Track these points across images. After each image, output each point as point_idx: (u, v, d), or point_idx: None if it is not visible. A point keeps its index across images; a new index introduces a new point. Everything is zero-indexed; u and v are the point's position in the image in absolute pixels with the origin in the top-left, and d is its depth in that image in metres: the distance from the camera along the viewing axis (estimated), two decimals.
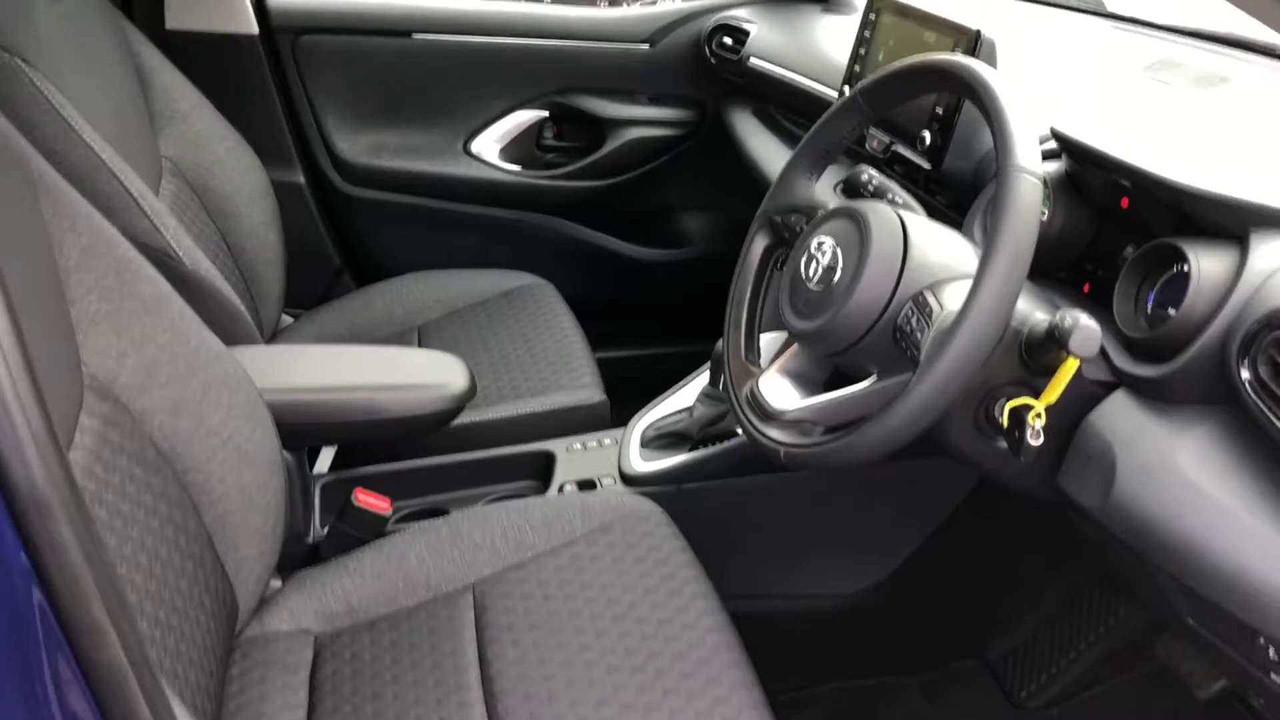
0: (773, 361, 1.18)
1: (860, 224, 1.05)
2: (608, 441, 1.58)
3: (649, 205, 2.39)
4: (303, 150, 2.16)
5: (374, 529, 1.36)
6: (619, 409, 1.66)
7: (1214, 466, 0.98)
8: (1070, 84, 1.48)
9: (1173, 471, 0.99)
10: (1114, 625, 1.59)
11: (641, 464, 1.50)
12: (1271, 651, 0.92)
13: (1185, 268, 1.06)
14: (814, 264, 1.08)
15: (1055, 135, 1.23)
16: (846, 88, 1.59)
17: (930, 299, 1.00)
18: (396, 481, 1.55)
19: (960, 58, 1.03)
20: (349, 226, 2.25)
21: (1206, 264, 1.03)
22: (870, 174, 1.26)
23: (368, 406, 1.32)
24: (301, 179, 2.15)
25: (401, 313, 1.91)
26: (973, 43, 1.32)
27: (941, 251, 1.05)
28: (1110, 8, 1.88)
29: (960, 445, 1.09)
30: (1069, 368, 1.00)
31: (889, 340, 1.03)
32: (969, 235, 1.31)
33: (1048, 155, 1.27)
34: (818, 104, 1.68)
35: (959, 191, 1.38)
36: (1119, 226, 1.19)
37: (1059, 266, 1.24)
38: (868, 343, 1.04)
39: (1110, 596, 1.59)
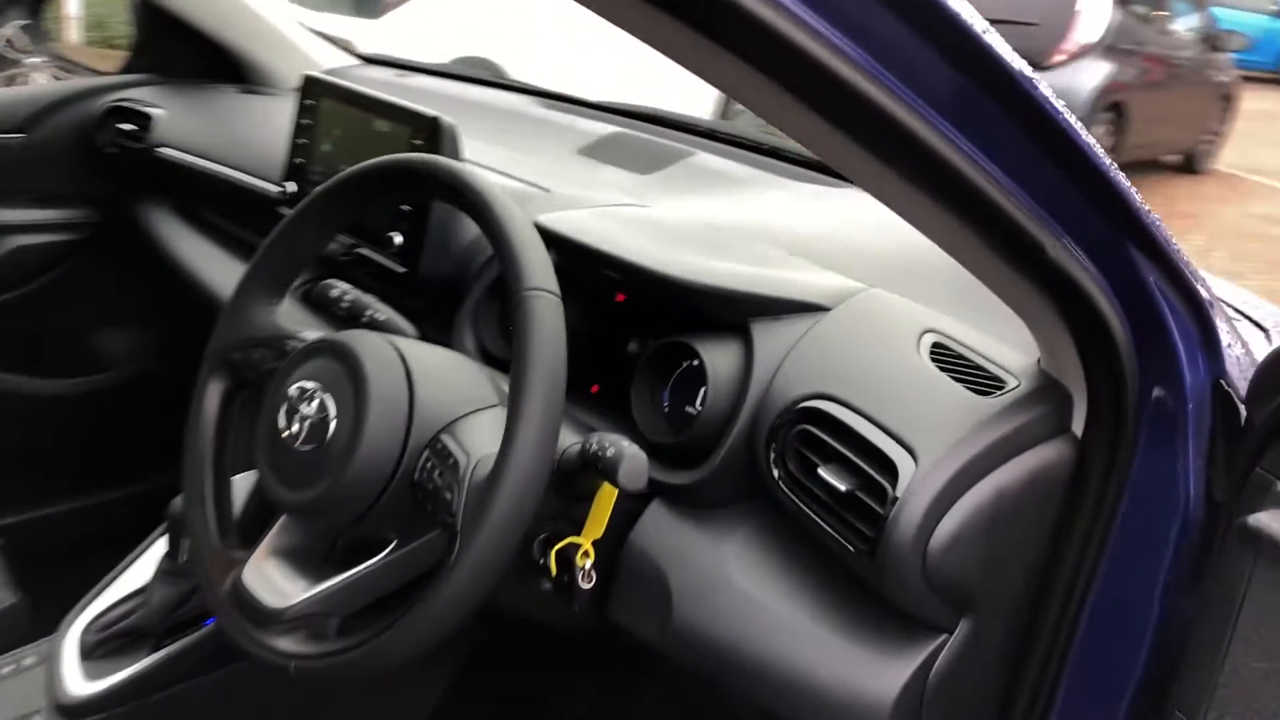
0: (257, 544, 0.93)
1: (349, 363, 0.86)
2: (30, 660, 1.18)
3: (49, 326, 1.93)
4: None
5: None
6: (43, 607, 1.27)
7: (764, 571, 0.93)
8: (517, 168, 1.41)
9: (727, 587, 0.93)
10: None
11: (85, 684, 1.14)
12: None
13: (697, 363, 1.01)
14: (296, 418, 0.86)
15: (541, 231, 1.14)
16: (291, 184, 1.38)
17: (451, 444, 0.84)
18: None
19: (448, 162, 0.88)
20: None
21: (718, 359, 0.99)
22: (341, 288, 1.07)
23: None
24: None
25: None
26: (432, 131, 1.19)
27: (451, 384, 0.89)
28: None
29: (502, 601, 0.95)
30: (609, 494, 0.90)
31: (407, 500, 0.85)
32: (461, 347, 1.17)
33: None
34: (256, 201, 1.44)
35: (437, 295, 1.23)
36: (617, 322, 1.12)
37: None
38: (380, 508, 0.84)
39: None
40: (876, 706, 0.84)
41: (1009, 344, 0.98)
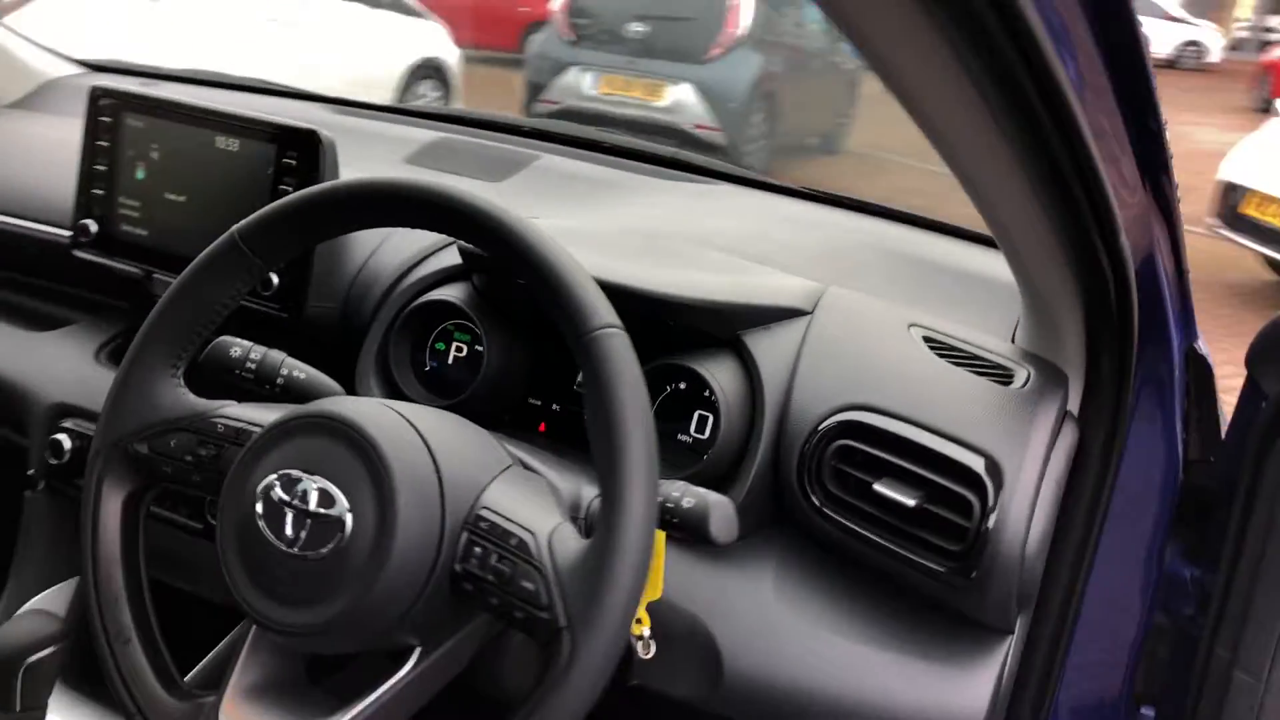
0: (216, 685, 0.74)
1: (355, 441, 0.69)
2: None
3: None
4: None
5: None
6: None
7: (811, 604, 0.87)
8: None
9: (780, 629, 0.86)
10: None
11: None
12: None
13: (684, 386, 0.93)
14: (289, 520, 0.69)
15: (462, 252, 0.99)
16: (90, 223, 1.11)
17: (499, 520, 0.70)
18: None
19: (483, 199, 0.72)
20: None
21: (723, 379, 0.91)
22: (240, 345, 0.88)
23: None
24: None
25: None
26: (308, 147, 1.00)
27: (466, 449, 0.75)
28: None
29: (507, 684, 0.83)
30: (662, 550, 0.79)
31: (444, 598, 0.70)
32: (366, 390, 1.00)
33: (449, 276, 1.03)
34: (34, 254, 1.16)
35: (323, 341, 1.05)
36: (559, 349, 1.01)
37: (504, 410, 1.01)
38: (414, 614, 0.69)
39: None
40: None
41: (972, 326, 0.98)
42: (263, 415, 0.78)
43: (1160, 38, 11.98)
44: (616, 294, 0.95)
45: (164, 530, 1.08)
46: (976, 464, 0.79)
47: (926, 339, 0.93)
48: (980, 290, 1.06)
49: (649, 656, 0.80)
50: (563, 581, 0.65)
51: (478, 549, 0.69)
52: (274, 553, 0.69)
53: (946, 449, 0.81)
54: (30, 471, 1.15)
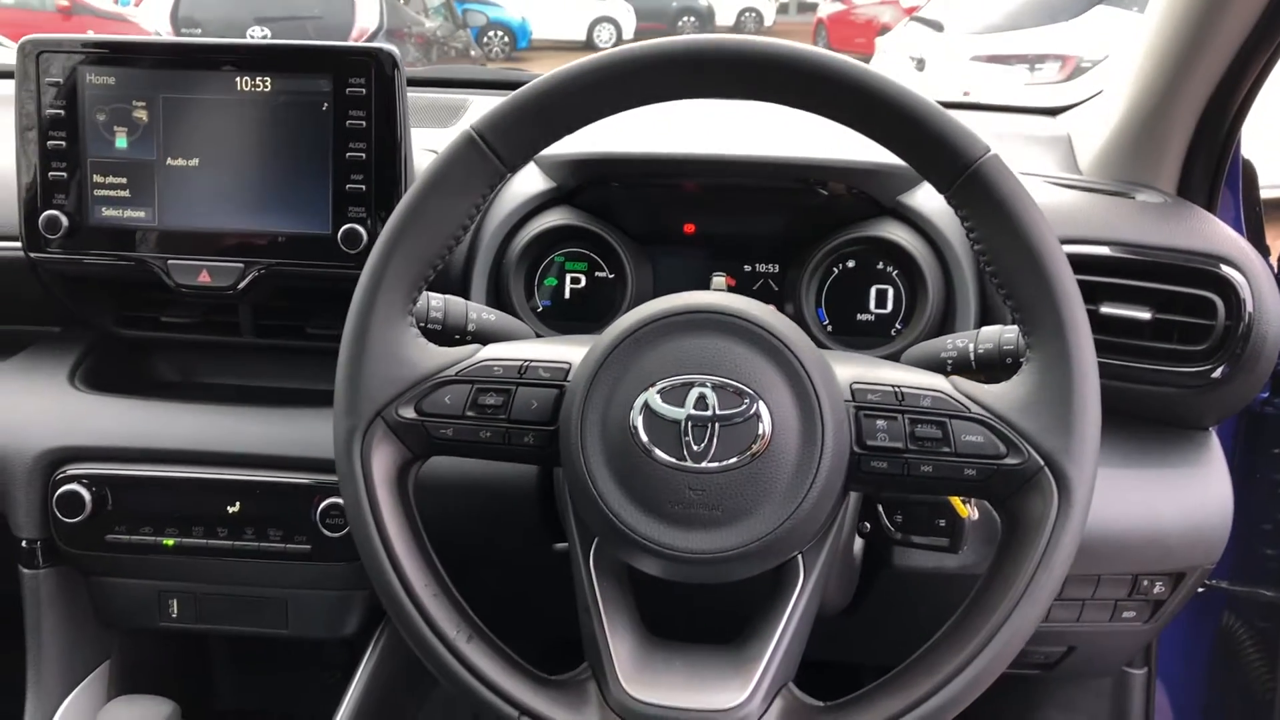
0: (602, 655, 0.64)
1: (753, 334, 0.62)
2: None
3: None
4: None
5: None
6: None
7: None
8: None
9: None
10: None
11: None
12: None
13: (843, 266, 0.91)
14: (698, 432, 0.60)
15: (576, 161, 0.90)
16: (59, 215, 0.87)
17: (881, 386, 0.64)
18: None
19: (772, 41, 0.65)
20: None
21: (909, 241, 0.90)
22: (425, 297, 0.76)
23: None
24: None
25: None
26: (381, 65, 0.86)
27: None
28: None
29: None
30: None
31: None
32: None
33: (544, 204, 0.93)
34: None
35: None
36: (690, 259, 0.95)
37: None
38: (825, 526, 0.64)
39: None
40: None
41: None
42: (535, 350, 0.67)
43: (722, 8, 13.11)
44: (757, 169, 0.91)
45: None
46: (1216, 266, 0.83)
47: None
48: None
49: (976, 518, 0.77)
50: (1015, 422, 0.62)
51: (880, 422, 0.63)
52: (671, 474, 0.59)
53: (1181, 259, 0.84)
54: (26, 541, 0.89)
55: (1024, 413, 0.61)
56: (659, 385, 0.61)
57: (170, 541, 0.89)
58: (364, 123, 0.86)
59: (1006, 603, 0.59)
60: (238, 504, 0.89)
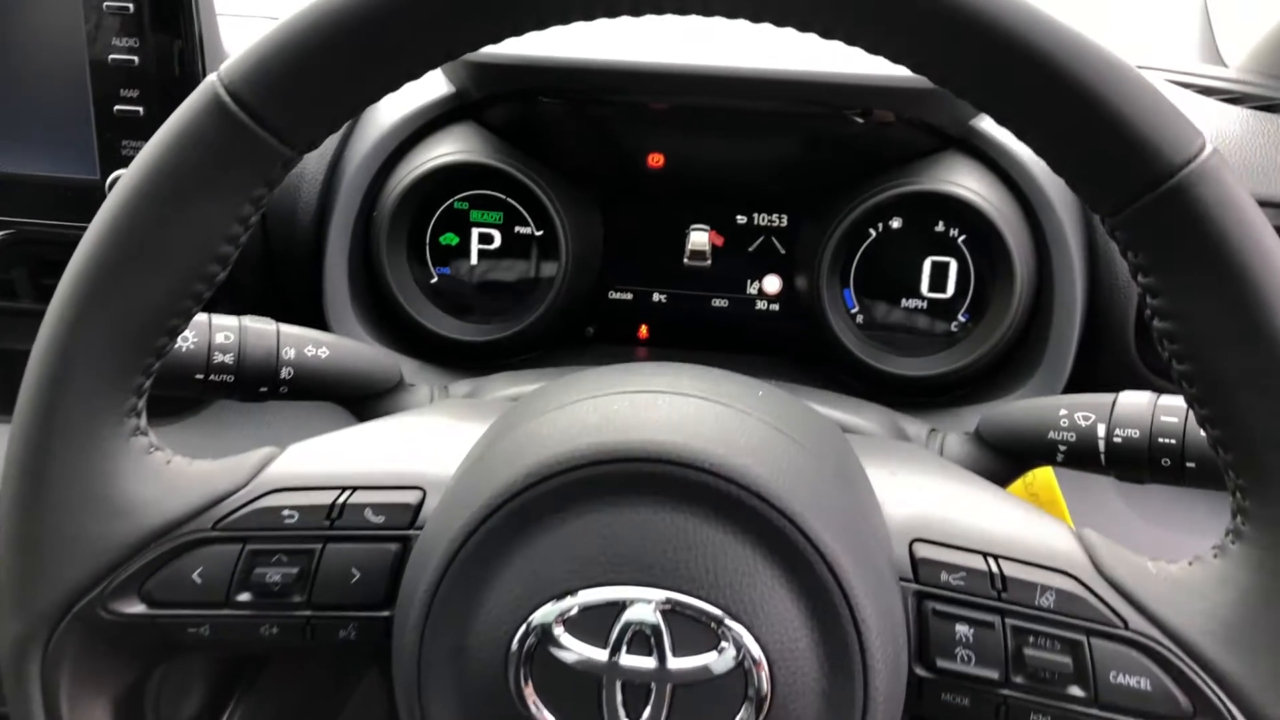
0: None
1: (758, 521, 0.35)
2: None
3: None
4: None
5: None
6: None
7: None
8: None
9: None
10: None
11: None
12: None
13: (886, 225, 0.61)
14: (629, 698, 0.33)
15: (505, 66, 0.58)
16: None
17: (949, 555, 0.37)
18: None
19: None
20: None
21: (987, 194, 0.60)
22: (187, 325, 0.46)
23: None
24: None
25: None
26: None
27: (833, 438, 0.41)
28: None
29: None
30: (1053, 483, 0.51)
31: None
32: (345, 332, 0.60)
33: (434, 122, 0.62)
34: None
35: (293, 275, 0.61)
36: (646, 202, 0.64)
37: (583, 316, 0.64)
38: None
39: None
40: None
41: None
42: (365, 458, 0.38)
43: None
44: (770, 89, 0.60)
45: None
46: None
47: None
48: None
49: None
50: (1213, 659, 0.34)
51: (961, 627, 0.36)
52: None
53: None
54: None
55: (1229, 643, 0.34)
56: (564, 601, 0.33)
57: None
58: (130, 4, 0.54)
59: None
60: None
